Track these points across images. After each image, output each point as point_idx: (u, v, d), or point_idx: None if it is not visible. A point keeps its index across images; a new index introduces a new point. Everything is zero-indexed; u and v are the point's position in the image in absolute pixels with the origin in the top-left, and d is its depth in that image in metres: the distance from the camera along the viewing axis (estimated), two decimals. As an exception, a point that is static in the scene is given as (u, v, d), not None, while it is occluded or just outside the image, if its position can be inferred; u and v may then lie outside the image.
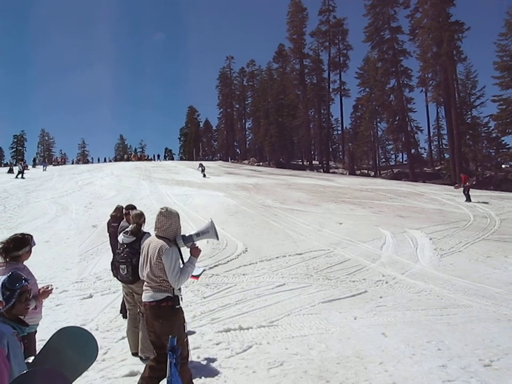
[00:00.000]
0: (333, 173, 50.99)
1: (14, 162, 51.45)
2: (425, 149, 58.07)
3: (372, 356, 4.87)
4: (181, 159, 75.11)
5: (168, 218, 3.72)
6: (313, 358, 4.85)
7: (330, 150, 65.18)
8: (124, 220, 6.49)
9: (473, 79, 46.18)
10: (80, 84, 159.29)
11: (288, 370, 4.53)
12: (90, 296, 7.37)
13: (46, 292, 3.51)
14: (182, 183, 26.15)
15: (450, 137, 43.54)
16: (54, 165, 50.24)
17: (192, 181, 28.02)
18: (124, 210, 6.96)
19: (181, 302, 3.71)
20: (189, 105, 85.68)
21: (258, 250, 10.61)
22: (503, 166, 41.50)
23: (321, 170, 54.56)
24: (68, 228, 13.67)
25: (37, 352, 2.79)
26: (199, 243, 3.96)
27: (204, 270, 5.76)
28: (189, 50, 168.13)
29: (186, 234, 3.83)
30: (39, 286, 3.54)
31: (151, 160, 63.69)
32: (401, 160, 61.47)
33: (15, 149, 77.99)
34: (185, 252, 3.83)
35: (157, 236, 3.75)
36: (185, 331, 3.80)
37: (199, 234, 3.83)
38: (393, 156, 62.34)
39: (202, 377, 4.39)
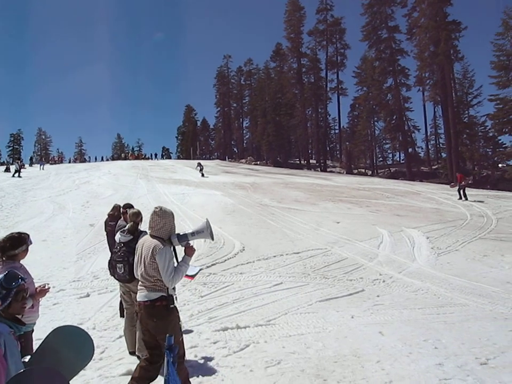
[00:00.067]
0: (330, 172, 51.06)
1: (11, 161, 51.24)
2: (422, 148, 58.24)
3: (369, 354, 4.88)
4: (178, 158, 75.08)
5: (162, 217, 3.70)
6: (311, 356, 4.85)
7: (328, 149, 65.27)
8: (122, 218, 6.48)
9: (470, 79, 46.26)
10: (77, 83, 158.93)
11: (286, 369, 4.54)
12: (88, 295, 7.36)
13: (43, 290, 3.50)
14: (179, 182, 26.12)
15: (447, 136, 43.64)
16: (51, 164, 50.10)
17: (190, 179, 28.00)
18: (121, 209, 6.96)
19: (175, 301, 3.70)
20: (187, 104, 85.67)
21: (256, 249, 10.61)
22: (499, 165, 41.58)
23: (319, 169, 54.60)
24: (65, 226, 13.64)
25: (33, 351, 2.79)
26: (195, 242, 3.96)
27: (200, 270, 5.74)
28: (186, 49, 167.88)
29: (181, 233, 3.81)
30: (36, 285, 3.54)
31: (148, 159, 63.64)
32: (398, 159, 61.64)
33: (11, 147, 77.69)
34: (180, 250, 3.83)
35: (151, 236, 3.73)
36: (181, 330, 3.79)
37: (194, 234, 3.80)
38: (390, 155, 62.41)
39: (200, 376, 4.39)
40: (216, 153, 79.24)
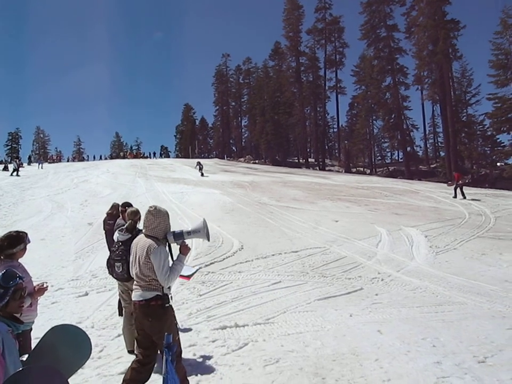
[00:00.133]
0: (329, 170, 51.09)
1: (9, 160, 51.14)
2: (420, 147, 58.23)
3: (367, 352, 4.89)
4: (177, 156, 74.98)
5: (157, 217, 3.68)
6: (309, 355, 4.86)
7: (326, 147, 65.27)
8: (120, 217, 6.47)
9: (469, 77, 46.37)
10: (75, 82, 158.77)
11: (284, 367, 4.55)
12: (86, 294, 7.35)
13: (41, 289, 3.50)
14: (178, 181, 26.10)
15: (446, 135, 43.68)
16: (49, 163, 50.02)
17: (188, 178, 27.98)
18: (120, 207, 6.95)
19: (170, 300, 3.69)
20: (185, 103, 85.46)
21: (254, 248, 10.61)
22: (498, 164, 41.65)
23: (317, 168, 54.60)
24: (63, 225, 13.62)
25: (32, 350, 2.78)
26: (194, 240, 3.95)
27: (197, 270, 5.72)
28: (185, 47, 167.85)
29: (177, 231, 3.80)
30: (34, 284, 3.53)
31: (146, 157, 63.64)
32: (397, 158, 61.74)
33: (10, 146, 77.50)
34: (176, 248, 3.82)
35: (145, 235, 3.71)
36: (177, 329, 3.78)
37: (190, 233, 3.78)
38: (389, 154, 62.44)
39: (198, 375, 4.40)
40: (214, 152, 79.17)
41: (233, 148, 78.60)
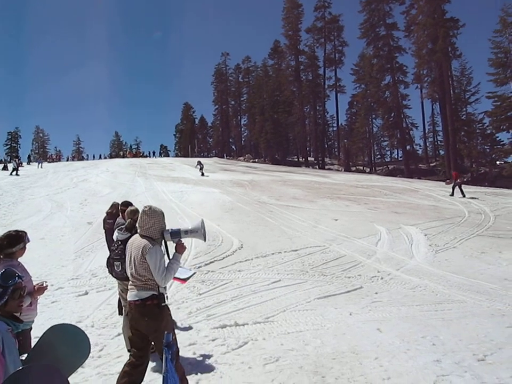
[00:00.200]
0: (328, 169, 51.08)
1: (9, 160, 51.12)
2: (420, 146, 58.27)
3: (367, 351, 4.90)
4: (176, 155, 74.99)
5: (151, 217, 3.66)
6: (309, 353, 4.86)
7: (326, 146, 65.30)
8: (120, 216, 6.46)
9: (468, 76, 46.38)
10: (74, 81, 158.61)
11: (284, 365, 4.55)
12: (86, 293, 7.35)
13: (41, 288, 3.50)
14: (178, 180, 26.10)
15: (445, 133, 43.71)
16: (49, 162, 49.99)
17: (188, 177, 27.98)
18: (119, 207, 6.94)
19: (166, 300, 3.68)
20: (184, 102, 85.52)
21: (254, 247, 10.61)
22: (497, 162, 41.67)
23: (317, 166, 54.60)
24: (63, 225, 13.61)
25: (31, 350, 2.78)
26: (191, 239, 3.94)
27: (194, 273, 5.68)
28: (184, 46, 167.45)
29: (175, 228, 3.79)
30: (34, 283, 3.53)
31: (146, 156, 63.53)
32: (396, 156, 61.77)
33: (9, 146, 77.47)
34: (171, 247, 3.83)
35: (140, 235, 3.69)
36: (174, 328, 3.77)
37: (187, 232, 3.78)
38: (388, 152, 62.54)
39: (198, 373, 4.40)
40: (214, 151, 79.18)
41: (233, 147, 78.62)
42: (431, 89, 46.09)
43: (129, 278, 3.72)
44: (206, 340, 5.29)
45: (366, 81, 53.09)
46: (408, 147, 49.13)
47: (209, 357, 4.83)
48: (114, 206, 7.99)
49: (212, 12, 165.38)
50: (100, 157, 66.27)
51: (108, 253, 5.86)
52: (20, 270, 3.09)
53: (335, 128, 67.94)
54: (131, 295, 3.65)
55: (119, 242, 4.77)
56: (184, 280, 5.31)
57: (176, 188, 22.31)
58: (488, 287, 7.69)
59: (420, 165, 48.86)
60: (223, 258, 9.63)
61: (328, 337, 5.35)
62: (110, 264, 4.85)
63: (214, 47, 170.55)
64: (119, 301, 5.79)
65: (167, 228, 3.76)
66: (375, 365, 4.54)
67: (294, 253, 10.11)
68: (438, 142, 56.34)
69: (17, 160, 33.46)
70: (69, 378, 2.14)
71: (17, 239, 3.51)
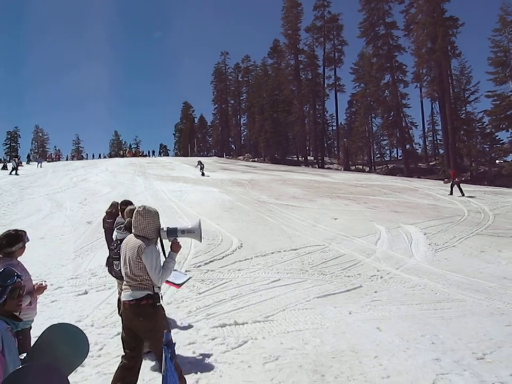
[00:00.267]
0: (328, 168, 51.08)
1: (8, 159, 51.09)
2: (419, 145, 58.20)
3: (366, 350, 4.91)
4: (176, 155, 74.99)
5: (145, 217, 3.65)
6: (308, 352, 4.87)
7: (325, 145, 65.25)
8: (119, 216, 6.46)
9: (468, 75, 46.30)
10: (74, 80, 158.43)
11: (283, 364, 4.56)
12: (86, 293, 7.35)
13: (41, 288, 3.50)
14: (177, 179, 26.10)
15: (445, 132, 43.72)
16: (48, 162, 49.95)
17: (187, 177, 27.98)
18: (119, 206, 6.93)
19: (161, 300, 3.68)
20: (184, 101, 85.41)
21: (254, 246, 10.61)
22: (497, 161, 41.67)
23: (316, 166, 54.61)
24: (62, 224, 13.61)
25: (30, 350, 2.78)
26: (190, 239, 3.93)
27: (189, 278, 5.67)
28: (184, 46, 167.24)
29: (172, 227, 3.79)
30: (34, 283, 3.54)
31: (145, 156, 63.52)
32: (396, 155, 61.61)
33: (8, 145, 77.44)
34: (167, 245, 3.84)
35: (135, 235, 3.68)
36: (168, 328, 3.76)
37: (184, 232, 3.77)
38: (388, 152, 62.37)
39: (198, 372, 4.40)
40: (213, 150, 79.16)
41: (232, 146, 78.59)
42: (430, 88, 46.07)
43: (124, 278, 3.71)
44: (206, 339, 5.29)
45: (365, 80, 53.07)
46: (407, 146, 49.13)
47: (208, 356, 4.83)
48: (113, 205, 7.98)
49: (211, 11, 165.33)
50: (100, 156, 66.25)
51: (107, 252, 5.87)
52: (19, 269, 3.09)
53: (334, 127, 67.92)
54: (125, 295, 3.64)
55: (119, 242, 4.77)
56: (179, 285, 5.31)
57: (176, 187, 22.31)
58: (487, 286, 7.70)
59: (420, 164, 48.86)
60: (223, 257, 9.63)
61: (327, 336, 5.35)
62: (109, 263, 4.86)
63: (214, 46, 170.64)
64: (119, 300, 5.78)
65: (163, 226, 3.77)
66: (374, 363, 4.54)
67: (294, 252, 10.11)
68: (438, 141, 56.33)
69: (16, 159, 33.47)
70: (68, 377, 2.15)
71: (16, 238, 3.51)
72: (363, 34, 52.43)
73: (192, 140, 75.48)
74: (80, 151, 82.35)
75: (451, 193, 20.66)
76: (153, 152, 70.18)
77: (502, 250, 10.51)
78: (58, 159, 59.96)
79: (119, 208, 6.79)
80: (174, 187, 22.22)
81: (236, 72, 75.81)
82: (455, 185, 20.92)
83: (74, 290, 7.46)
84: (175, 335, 5.10)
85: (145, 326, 3.55)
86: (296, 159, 61.19)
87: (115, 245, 4.81)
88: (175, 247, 3.76)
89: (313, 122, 60.61)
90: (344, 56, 59.83)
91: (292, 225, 13.22)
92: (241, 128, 77.49)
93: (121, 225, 4.93)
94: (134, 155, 61.88)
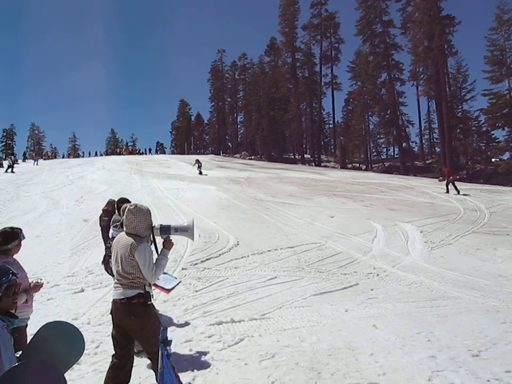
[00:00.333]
0: (325, 166, 51.10)
1: (4, 157, 50.87)
2: (416, 143, 58.29)
3: (362, 347, 4.92)
4: (173, 152, 74.82)
5: (137, 215, 3.64)
6: (305, 350, 4.88)
7: (322, 143, 65.26)
8: (116, 213, 6.45)
9: (464, 73, 46.23)
10: (70, 78, 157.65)
11: (280, 362, 4.56)
12: (82, 290, 7.34)
13: (37, 286, 3.50)
14: (174, 177, 26.07)
15: (441, 131, 43.78)
16: (45, 159, 49.76)
17: (184, 174, 27.95)
18: (116, 204, 6.92)
19: (152, 298, 3.68)
20: (180, 99, 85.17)
21: (250, 244, 10.62)
22: (493, 159, 41.81)
23: (313, 164, 54.60)
24: (59, 222, 13.58)
25: (26, 347, 2.78)
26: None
27: (179, 282, 5.68)
28: (180, 43, 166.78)
29: (165, 224, 3.79)
30: (30, 280, 3.53)
31: (142, 154, 63.34)
32: (392, 153, 61.65)
33: (4, 143, 77.00)
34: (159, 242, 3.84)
35: (126, 233, 3.67)
36: (160, 327, 3.75)
37: (177, 230, 3.78)
38: (384, 150, 62.36)
39: (195, 370, 4.40)
40: (210, 148, 79.02)
41: (229, 144, 78.50)
42: (427, 86, 46.14)
43: (115, 277, 3.70)
44: (202, 337, 5.30)
45: (362, 79, 53.06)
46: (404, 144, 49.18)
47: (205, 353, 4.83)
48: (110, 203, 7.98)
49: (208, 8, 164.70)
50: (96, 154, 65.95)
51: (103, 250, 5.86)
52: (15, 267, 3.08)
53: (331, 126, 67.97)
54: (116, 293, 3.62)
55: (115, 239, 4.76)
56: (168, 290, 5.31)
57: (172, 185, 22.29)
58: (483, 284, 7.74)
59: (416, 162, 48.97)
60: (219, 255, 9.64)
61: (324, 333, 5.37)
62: (106, 261, 4.85)
63: (210, 44, 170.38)
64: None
65: (156, 224, 3.77)
66: (370, 361, 4.56)
67: (290, 250, 10.13)
68: (434, 139, 56.40)
69: (12, 157, 33.35)
70: (64, 375, 2.14)
71: (12, 236, 3.51)
72: (360, 32, 52.39)
73: (188, 137, 75.30)
74: (77, 149, 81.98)
75: (447, 192, 20.75)
76: (150, 150, 70.04)
77: (498, 248, 10.56)
78: (55, 157, 59.69)
79: (115, 206, 6.79)
80: (170, 185, 22.20)
81: (233, 70, 75.65)
82: (450, 183, 21.02)
83: (71, 288, 7.45)
84: (172, 333, 5.10)
85: (136, 325, 3.53)
86: (293, 157, 61.18)
87: (111, 242, 4.79)
88: (168, 245, 3.77)
89: (310, 120, 60.58)
90: (341, 54, 59.90)
91: (288, 223, 13.24)
92: (238, 126, 77.39)
93: (118, 223, 4.93)
94: (131, 153, 61.66)
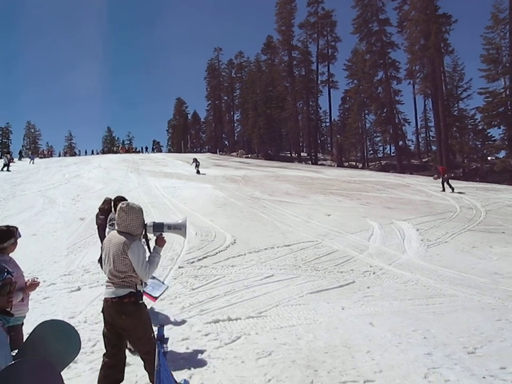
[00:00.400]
0: (321, 164, 51.17)
1: (0, 155, 50.65)
2: (412, 141, 58.62)
3: (359, 345, 4.94)
4: (169, 151, 74.78)
5: (129, 214, 3.63)
6: (301, 347, 4.89)
7: (319, 142, 65.36)
8: (113, 212, 6.43)
9: (460, 72, 46.45)
10: (66, 77, 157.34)
11: (277, 360, 4.57)
12: (79, 289, 7.32)
13: (33, 284, 3.49)
14: (170, 175, 26.02)
15: (438, 129, 43.92)
16: (41, 158, 49.53)
17: (181, 173, 27.90)
18: (112, 202, 6.90)
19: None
20: (177, 97, 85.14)
21: (247, 242, 10.62)
22: (488, 158, 41.99)
23: (310, 162, 54.68)
24: (55, 220, 13.54)
25: (22, 346, 2.77)
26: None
27: (166, 288, 5.69)
28: (177, 41, 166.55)
29: (158, 222, 3.80)
30: (26, 279, 3.52)
31: (139, 152, 63.28)
32: (389, 152, 61.88)
33: (0, 141, 76.74)
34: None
35: (118, 232, 3.66)
36: (151, 326, 3.75)
37: (170, 227, 3.79)
38: (381, 148, 62.70)
39: (192, 368, 4.41)
40: (207, 147, 78.98)
41: (226, 142, 78.48)
42: (423, 85, 46.26)
43: (107, 275, 3.69)
44: (199, 335, 5.30)
45: (358, 77, 53.18)
46: (400, 142, 49.36)
47: (202, 351, 4.84)
48: (106, 201, 7.95)
49: (205, 7, 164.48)
50: (92, 153, 65.91)
51: (100, 249, 5.83)
52: (11, 266, 3.07)
53: (328, 124, 68.04)
54: (108, 292, 3.62)
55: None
56: (155, 298, 5.32)
57: (169, 183, 22.26)
58: (478, 281, 7.77)
59: (412, 161, 49.12)
60: (216, 253, 9.63)
61: (320, 331, 5.38)
62: (102, 259, 4.83)
63: (207, 42, 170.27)
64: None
65: (149, 221, 3.77)
66: (367, 358, 4.57)
67: (287, 248, 10.13)
68: (430, 137, 56.60)
69: (8, 155, 33.16)
70: (61, 374, 2.14)
71: (8, 234, 3.50)
72: (356, 30, 52.49)
73: (185, 136, 75.28)
74: (73, 147, 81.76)
75: (443, 190, 20.84)
76: (146, 148, 70.15)
77: (493, 246, 10.60)
78: (51, 155, 59.46)
79: (112, 204, 6.77)
80: (167, 183, 22.16)
81: (230, 68, 75.62)
82: (445, 182, 21.14)
83: (67, 287, 7.43)
84: (168, 331, 5.10)
85: (127, 323, 3.53)
86: (289, 155, 61.25)
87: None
88: (160, 242, 3.77)
89: (307, 119, 60.66)
90: (338, 52, 60.07)
91: (285, 221, 13.25)
92: (235, 125, 77.46)
93: (114, 221, 4.91)
94: (127, 151, 61.65)
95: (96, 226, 8.41)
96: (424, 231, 12.10)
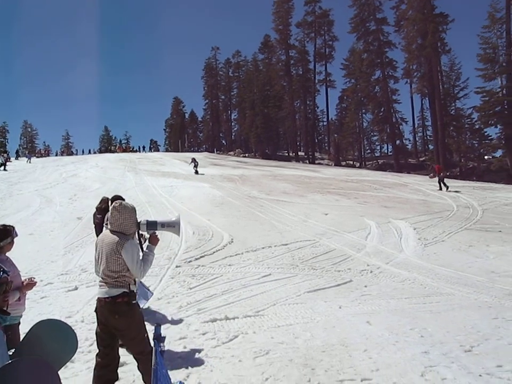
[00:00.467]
0: (319, 164, 51.19)
1: (-4, 155, 50.47)
2: (409, 140, 58.65)
3: (356, 343, 4.94)
4: (167, 150, 74.61)
5: (122, 213, 3.61)
6: (299, 346, 4.89)
7: (316, 141, 65.40)
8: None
9: (457, 71, 46.55)
10: (63, 77, 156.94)
11: (274, 359, 4.57)
12: (76, 288, 7.31)
13: (30, 284, 3.48)
14: (168, 175, 25.98)
15: (435, 128, 44.03)
16: (38, 157, 49.38)
17: (178, 172, 27.86)
18: (109, 201, 6.89)
19: (137, 297, 3.68)
20: (174, 96, 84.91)
21: (244, 241, 10.62)
22: (485, 157, 42.11)
23: (307, 161, 54.70)
24: (52, 220, 13.51)
25: (19, 345, 2.77)
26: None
27: (151, 295, 5.68)
28: (174, 40, 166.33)
29: (152, 220, 3.80)
30: (23, 279, 3.52)
31: (136, 151, 63.11)
32: (386, 151, 62.05)
33: (-4, 141, 76.47)
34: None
35: (111, 231, 3.65)
36: (145, 326, 3.74)
37: (164, 225, 3.79)
38: (378, 147, 62.71)
39: (189, 367, 4.40)
40: (204, 146, 78.91)
41: (223, 142, 78.41)
42: (420, 84, 46.39)
43: (100, 275, 3.68)
44: (197, 334, 5.30)
45: (356, 76, 53.24)
46: (397, 142, 49.43)
47: (199, 350, 4.83)
48: (104, 200, 7.93)
49: (202, 5, 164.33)
50: (89, 152, 65.67)
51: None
52: (7, 265, 3.07)
53: (325, 123, 68.14)
54: (101, 292, 3.62)
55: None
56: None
57: (166, 182, 22.22)
58: (475, 280, 7.80)
59: (410, 160, 49.17)
60: (213, 252, 9.63)
61: (318, 330, 5.38)
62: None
63: (204, 42, 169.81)
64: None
65: (142, 219, 3.77)
66: (364, 357, 4.58)
67: (284, 247, 10.14)
68: (427, 136, 56.70)
69: (5, 155, 33.05)
70: (58, 373, 2.14)
71: (4, 234, 3.49)
72: (354, 30, 52.53)
73: (182, 135, 75.15)
74: (70, 146, 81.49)
75: (440, 189, 20.91)
76: (144, 147, 69.81)
77: (490, 245, 10.64)
78: (48, 155, 59.20)
79: (109, 203, 6.76)
80: (164, 182, 22.13)
81: (227, 68, 75.56)
82: (441, 180, 21.24)
83: (65, 286, 7.42)
84: (166, 330, 5.10)
85: (120, 323, 3.52)
86: (287, 154, 61.26)
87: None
88: (154, 240, 3.77)
89: (304, 118, 60.68)
90: (335, 51, 60.15)
91: (282, 221, 13.25)
92: (232, 124, 77.39)
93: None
94: (124, 150, 61.39)
95: (94, 225, 8.38)
96: (421, 230, 12.13)
